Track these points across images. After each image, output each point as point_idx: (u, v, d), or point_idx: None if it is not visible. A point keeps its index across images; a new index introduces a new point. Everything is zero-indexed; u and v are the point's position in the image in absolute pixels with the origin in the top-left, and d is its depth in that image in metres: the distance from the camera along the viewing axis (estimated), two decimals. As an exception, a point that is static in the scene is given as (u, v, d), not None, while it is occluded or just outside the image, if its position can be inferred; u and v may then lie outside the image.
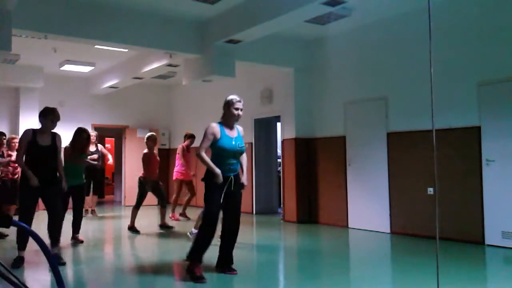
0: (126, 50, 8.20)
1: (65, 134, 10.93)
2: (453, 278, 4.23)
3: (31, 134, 4.91)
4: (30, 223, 4.83)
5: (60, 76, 10.97)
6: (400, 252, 5.97)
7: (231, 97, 4.59)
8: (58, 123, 10.24)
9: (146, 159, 7.31)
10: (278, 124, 9.29)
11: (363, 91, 7.49)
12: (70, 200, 6.23)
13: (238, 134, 4.57)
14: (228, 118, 4.52)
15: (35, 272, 4.93)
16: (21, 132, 10.14)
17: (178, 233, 7.18)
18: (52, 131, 5.09)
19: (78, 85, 11.41)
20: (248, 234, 7.38)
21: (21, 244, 4.96)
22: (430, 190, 6.42)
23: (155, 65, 8.73)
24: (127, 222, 7.33)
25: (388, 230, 6.99)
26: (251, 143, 9.64)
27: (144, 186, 7.24)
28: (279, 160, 9.19)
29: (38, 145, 4.88)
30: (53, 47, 8.41)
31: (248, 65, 8.29)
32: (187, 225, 7.78)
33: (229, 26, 6.85)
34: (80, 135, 6.39)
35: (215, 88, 10.16)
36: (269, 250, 5.99)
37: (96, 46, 7.75)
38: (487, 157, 5.84)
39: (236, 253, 5.79)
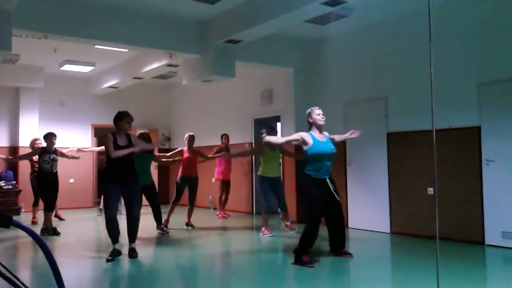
0: (126, 50, 8.19)
1: (65, 134, 11.03)
2: (453, 278, 4.23)
3: (111, 135, 5.28)
4: (115, 215, 5.34)
5: (60, 76, 10.97)
6: (400, 252, 5.97)
7: (311, 108, 5.18)
8: (58, 123, 10.55)
9: (180, 157, 7.87)
10: (278, 124, 9.29)
11: (363, 91, 7.49)
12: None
13: (327, 139, 5.07)
14: (315, 125, 5.03)
15: (35, 271, 4.94)
16: (21, 133, 10.35)
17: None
18: (126, 132, 5.45)
19: (78, 85, 11.40)
20: (248, 235, 7.39)
21: (130, 236, 5.45)
22: (430, 190, 6.42)
23: (155, 65, 8.73)
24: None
25: (388, 230, 6.99)
26: (251, 143, 9.65)
27: (178, 182, 7.77)
28: (280, 160, 9.19)
29: (118, 146, 5.25)
30: (53, 47, 8.41)
31: (248, 65, 8.29)
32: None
33: (229, 26, 6.85)
34: (144, 138, 6.93)
35: (215, 88, 10.17)
36: (268, 250, 5.99)
37: (96, 46, 7.75)
38: (487, 157, 5.84)
39: (236, 253, 5.79)
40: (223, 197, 9.30)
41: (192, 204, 7.81)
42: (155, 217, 7.23)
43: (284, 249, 5.90)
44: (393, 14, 6.95)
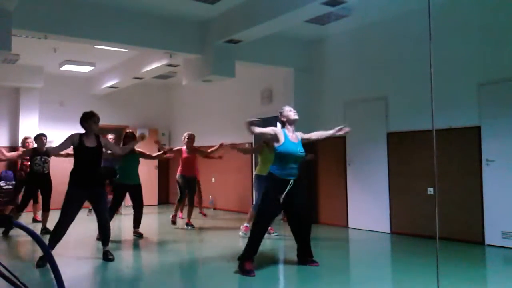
0: (126, 50, 8.20)
1: (65, 134, 11.00)
2: (453, 278, 4.23)
3: (77, 137, 5.12)
4: (70, 224, 5.07)
5: (60, 76, 10.97)
6: (400, 252, 5.97)
7: (282, 107, 5.02)
8: (58, 123, 10.53)
9: (178, 156, 7.83)
10: (278, 124, 9.28)
11: (363, 91, 7.49)
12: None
13: (299, 141, 4.86)
14: (288, 122, 4.88)
15: (35, 272, 4.94)
16: (21, 133, 10.37)
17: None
18: (95, 134, 5.26)
19: (78, 85, 11.40)
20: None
21: (103, 239, 5.29)
22: (430, 190, 6.42)
23: (155, 65, 8.73)
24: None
25: (388, 230, 7.00)
26: (251, 143, 9.64)
27: (178, 181, 7.79)
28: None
29: (85, 147, 5.08)
30: (53, 47, 8.41)
31: (248, 65, 8.29)
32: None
33: (229, 26, 6.85)
34: (128, 138, 6.86)
35: (215, 88, 10.17)
36: (269, 250, 5.99)
37: (96, 46, 7.75)
38: (487, 157, 5.84)
39: (234, 254, 5.79)
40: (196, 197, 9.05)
41: (191, 204, 7.82)
42: (134, 220, 6.92)
43: (284, 249, 5.90)
44: (393, 14, 6.95)
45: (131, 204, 7.02)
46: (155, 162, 11.50)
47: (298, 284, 4.38)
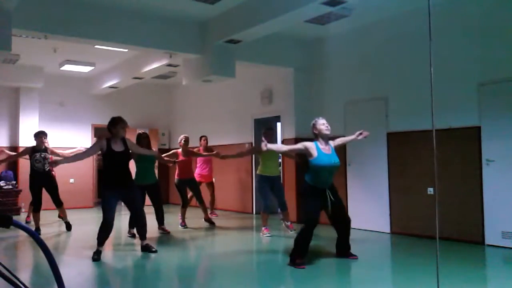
0: (126, 50, 8.20)
1: (65, 134, 11.04)
2: (453, 278, 4.23)
3: (105, 142, 5.33)
4: (113, 219, 5.34)
5: (60, 76, 10.97)
6: (400, 252, 5.98)
7: (314, 119, 5.07)
8: (58, 123, 10.57)
9: (175, 159, 7.79)
10: (278, 124, 9.29)
11: (363, 91, 7.49)
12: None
13: (332, 151, 4.97)
14: (320, 135, 4.94)
15: (35, 272, 4.94)
16: (21, 133, 10.37)
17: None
18: (122, 137, 5.47)
19: (78, 85, 11.40)
20: (248, 235, 7.39)
21: (141, 235, 5.70)
22: (430, 190, 6.42)
23: (155, 65, 8.73)
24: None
25: (388, 230, 6.99)
26: (251, 143, 9.65)
27: (177, 185, 7.83)
28: (279, 160, 9.19)
29: (113, 152, 5.27)
30: (53, 47, 8.41)
31: (248, 65, 8.29)
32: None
33: (229, 26, 6.85)
34: (142, 138, 6.94)
35: (215, 88, 10.17)
36: (268, 250, 5.99)
37: (96, 46, 7.75)
38: (487, 157, 5.84)
39: (235, 253, 5.80)
40: (209, 198, 9.24)
41: (201, 203, 7.95)
42: (157, 217, 7.14)
43: (284, 249, 5.89)
44: (393, 14, 6.95)
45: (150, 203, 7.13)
46: (155, 162, 11.48)
47: (297, 284, 4.38)
